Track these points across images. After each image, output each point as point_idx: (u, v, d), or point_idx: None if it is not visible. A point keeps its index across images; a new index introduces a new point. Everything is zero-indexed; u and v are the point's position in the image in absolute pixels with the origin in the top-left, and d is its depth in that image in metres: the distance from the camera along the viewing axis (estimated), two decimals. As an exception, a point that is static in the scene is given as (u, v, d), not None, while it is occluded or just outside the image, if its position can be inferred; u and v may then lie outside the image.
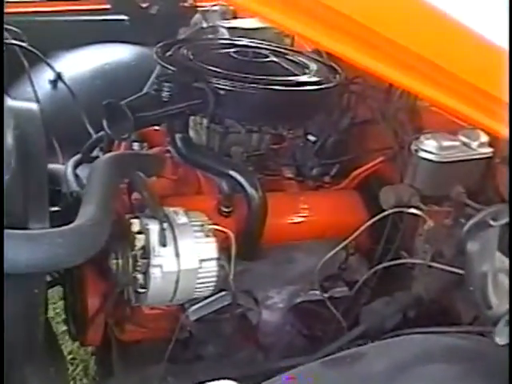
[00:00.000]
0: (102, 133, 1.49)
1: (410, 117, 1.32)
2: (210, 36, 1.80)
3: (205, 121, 1.32)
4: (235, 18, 1.97)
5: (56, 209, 1.23)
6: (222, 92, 1.22)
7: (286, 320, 1.26)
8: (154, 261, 1.04)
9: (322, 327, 1.29)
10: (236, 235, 1.16)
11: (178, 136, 1.27)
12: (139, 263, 1.05)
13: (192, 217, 1.11)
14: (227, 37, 1.71)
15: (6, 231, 0.78)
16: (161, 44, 1.44)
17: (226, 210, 1.28)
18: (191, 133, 1.34)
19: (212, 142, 1.35)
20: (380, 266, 1.20)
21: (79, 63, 2.04)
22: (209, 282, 1.10)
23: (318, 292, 1.24)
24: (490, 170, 1.17)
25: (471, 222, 1.02)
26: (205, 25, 1.92)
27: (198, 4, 2.25)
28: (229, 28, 1.78)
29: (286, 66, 1.40)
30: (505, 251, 1.02)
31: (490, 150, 1.14)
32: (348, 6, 0.74)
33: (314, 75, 1.37)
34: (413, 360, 0.88)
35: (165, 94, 1.19)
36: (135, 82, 1.46)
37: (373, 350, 0.96)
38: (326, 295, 1.24)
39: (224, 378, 1.01)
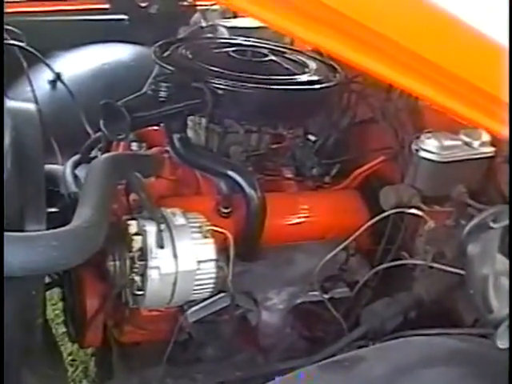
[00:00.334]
0: (99, 133, 1.48)
1: (410, 116, 1.31)
2: (209, 35, 1.79)
3: (203, 121, 1.32)
4: (235, 16, 1.96)
5: (54, 210, 1.22)
6: (220, 92, 1.22)
7: (286, 321, 1.26)
8: (152, 263, 1.04)
9: (323, 328, 1.28)
10: (235, 236, 1.15)
11: (176, 136, 1.26)
12: (136, 265, 1.05)
13: (190, 218, 1.10)
14: (226, 36, 1.70)
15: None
16: (159, 43, 1.43)
17: (225, 210, 1.27)
18: (190, 133, 1.33)
19: (211, 142, 1.34)
20: (381, 267, 1.20)
21: (78, 63, 2.03)
22: (207, 284, 1.10)
23: (318, 293, 1.23)
24: (492, 170, 1.16)
25: (471, 223, 1.01)
26: (204, 24, 1.92)
27: (198, 3, 2.25)
28: (228, 27, 1.78)
29: (286, 65, 1.39)
30: (506, 253, 1.01)
31: (491, 149, 1.13)
32: (348, 6, 0.72)
33: (313, 74, 1.36)
34: (413, 363, 0.87)
35: (162, 93, 1.19)
36: (135, 81, 1.44)
37: (372, 353, 0.95)
38: (326, 296, 1.23)
39: (223, 383, 1.01)
